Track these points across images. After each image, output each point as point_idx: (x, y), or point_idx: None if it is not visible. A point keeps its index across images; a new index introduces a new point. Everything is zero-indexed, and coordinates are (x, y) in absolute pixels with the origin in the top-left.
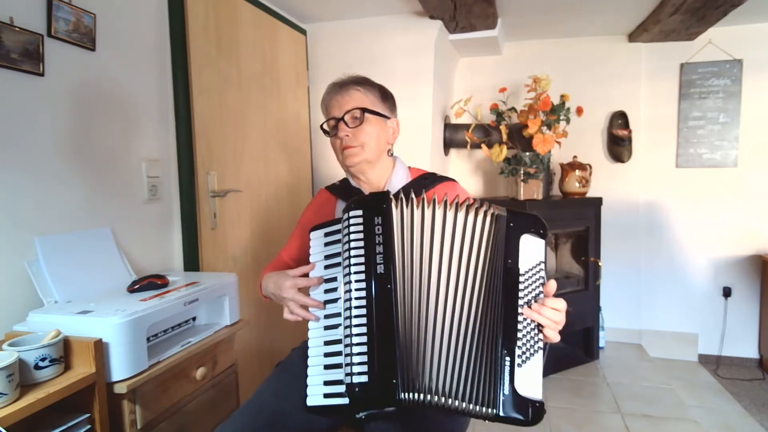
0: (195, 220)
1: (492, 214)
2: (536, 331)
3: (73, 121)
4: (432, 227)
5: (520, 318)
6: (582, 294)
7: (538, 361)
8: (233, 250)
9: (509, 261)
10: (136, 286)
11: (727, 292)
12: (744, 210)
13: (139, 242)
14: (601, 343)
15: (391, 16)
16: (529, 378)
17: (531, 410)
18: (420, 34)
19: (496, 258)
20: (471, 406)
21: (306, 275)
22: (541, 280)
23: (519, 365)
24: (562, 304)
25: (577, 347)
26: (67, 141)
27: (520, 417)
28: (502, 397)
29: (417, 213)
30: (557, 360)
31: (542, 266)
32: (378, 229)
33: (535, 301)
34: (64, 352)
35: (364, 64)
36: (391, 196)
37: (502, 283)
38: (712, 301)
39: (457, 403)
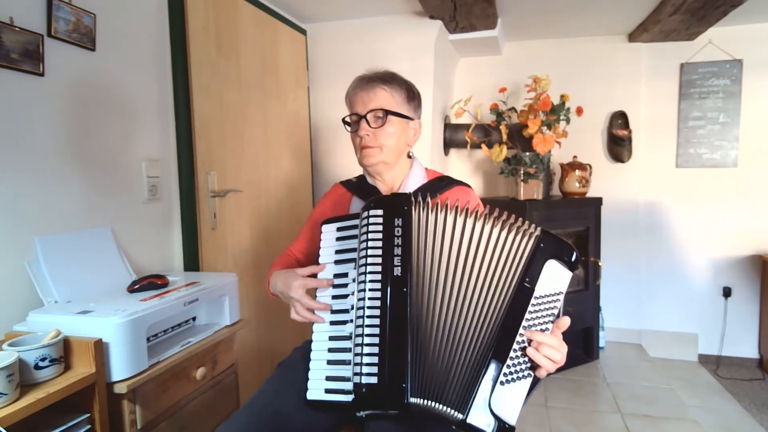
0: (195, 220)
1: (527, 233)
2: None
3: (73, 121)
4: (452, 233)
5: (519, 338)
6: (582, 294)
7: (522, 386)
8: (233, 250)
9: (527, 279)
10: (136, 286)
11: (727, 292)
12: (744, 210)
13: (139, 242)
14: (601, 343)
15: (391, 16)
16: (507, 398)
17: (498, 428)
18: (420, 34)
19: (514, 274)
20: (445, 408)
21: (315, 275)
22: (554, 311)
23: (502, 383)
24: (559, 342)
25: (577, 347)
26: (67, 141)
27: (484, 430)
28: (473, 405)
29: (440, 217)
30: None
31: (560, 297)
32: (398, 231)
33: (542, 331)
34: (64, 352)
35: (364, 64)
36: (412, 198)
37: (512, 299)
38: (712, 301)
39: (440, 406)
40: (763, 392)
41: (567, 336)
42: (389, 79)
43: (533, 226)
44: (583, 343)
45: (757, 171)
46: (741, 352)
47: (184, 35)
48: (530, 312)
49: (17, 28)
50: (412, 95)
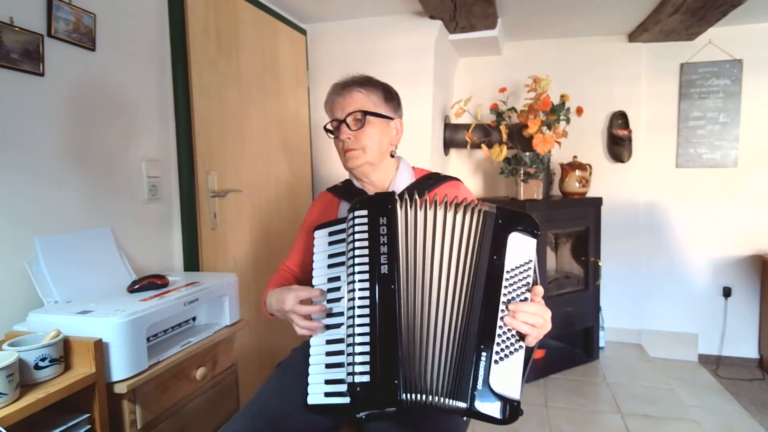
0: (195, 220)
1: (480, 211)
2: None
3: (73, 121)
4: (434, 228)
5: (501, 314)
6: (582, 294)
7: (517, 360)
8: (233, 250)
9: (495, 257)
10: (136, 286)
11: (727, 292)
12: (744, 210)
13: (139, 242)
14: (601, 343)
15: (391, 16)
16: (505, 375)
17: (504, 407)
18: (420, 34)
19: (482, 254)
20: (445, 400)
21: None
22: (528, 279)
23: (496, 362)
24: (537, 308)
25: (577, 347)
26: (67, 141)
27: (492, 414)
28: (474, 392)
29: (420, 214)
30: (557, 360)
31: (530, 265)
32: (383, 230)
33: (522, 301)
34: (64, 352)
35: (364, 64)
36: (396, 197)
37: (485, 279)
38: (712, 301)
39: (437, 399)
40: (763, 392)
41: (567, 336)
42: (365, 82)
43: (487, 204)
44: (583, 343)
45: (757, 171)
46: (741, 352)
47: (184, 35)
48: (505, 287)
49: (17, 28)
50: (390, 95)
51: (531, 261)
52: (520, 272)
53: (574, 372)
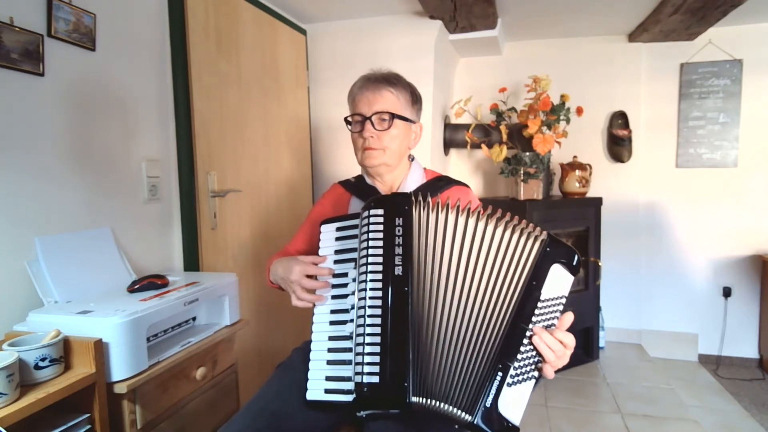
0: (195, 220)
1: (534, 237)
2: (537, 359)
3: (73, 121)
4: (453, 233)
5: (525, 341)
6: (582, 294)
7: (527, 388)
8: (233, 250)
9: (534, 283)
10: (136, 286)
11: (727, 292)
12: (744, 210)
13: (139, 242)
14: (601, 343)
15: (391, 16)
16: (513, 399)
17: (503, 429)
18: (420, 34)
19: (522, 276)
20: (452, 408)
21: (316, 264)
22: (558, 314)
23: (509, 384)
24: (571, 339)
25: (577, 347)
26: (67, 141)
27: (491, 431)
28: (482, 408)
29: (441, 217)
30: None
31: (563, 301)
32: (398, 230)
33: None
34: (64, 352)
35: (363, 64)
36: (413, 198)
37: (519, 302)
38: (712, 301)
39: (444, 406)
40: (763, 392)
41: None
42: (395, 81)
43: (538, 229)
44: (583, 343)
45: (757, 171)
46: (741, 352)
47: (184, 35)
48: (536, 315)
49: (17, 28)
50: (415, 98)
51: (564, 297)
52: (553, 304)
53: (574, 372)
